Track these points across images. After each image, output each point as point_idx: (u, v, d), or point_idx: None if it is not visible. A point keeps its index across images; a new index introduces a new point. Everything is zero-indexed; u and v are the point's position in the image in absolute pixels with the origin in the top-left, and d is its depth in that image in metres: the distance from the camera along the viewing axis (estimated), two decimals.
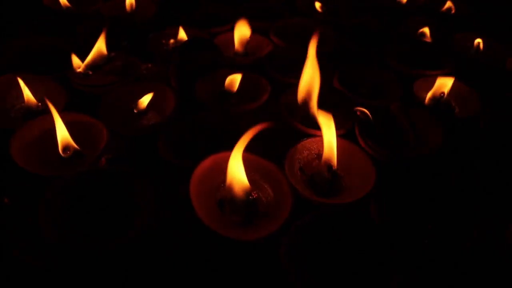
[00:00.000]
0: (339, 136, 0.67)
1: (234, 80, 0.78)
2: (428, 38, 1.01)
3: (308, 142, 0.68)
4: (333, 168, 0.63)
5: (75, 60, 0.78)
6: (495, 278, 0.55)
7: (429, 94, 0.79)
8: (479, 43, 0.96)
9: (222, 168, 0.60)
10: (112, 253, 0.51)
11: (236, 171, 0.57)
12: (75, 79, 0.76)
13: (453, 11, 1.12)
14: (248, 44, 0.91)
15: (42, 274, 0.52)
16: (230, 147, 0.62)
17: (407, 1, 1.16)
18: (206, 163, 0.60)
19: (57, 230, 0.51)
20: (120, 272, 0.53)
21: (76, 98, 0.75)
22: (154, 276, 0.54)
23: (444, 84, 0.79)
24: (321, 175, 0.64)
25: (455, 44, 0.98)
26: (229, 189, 0.58)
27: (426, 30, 1.01)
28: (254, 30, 0.95)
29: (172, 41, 0.92)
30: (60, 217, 0.54)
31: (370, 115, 0.71)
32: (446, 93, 0.78)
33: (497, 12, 1.15)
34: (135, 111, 0.73)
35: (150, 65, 0.89)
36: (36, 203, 0.53)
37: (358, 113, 0.72)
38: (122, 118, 0.73)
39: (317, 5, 1.10)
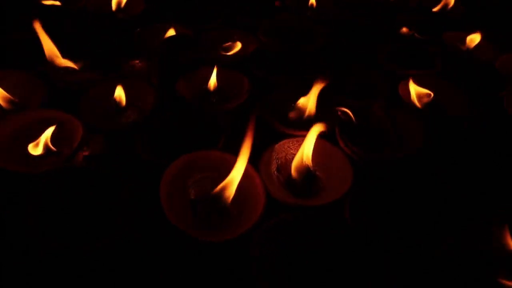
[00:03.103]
0: (318, 136, 0.66)
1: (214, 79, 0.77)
2: (419, 37, 0.99)
3: (286, 143, 0.67)
4: (311, 168, 0.62)
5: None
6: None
7: (413, 95, 0.77)
8: (469, 42, 0.94)
9: (196, 167, 0.60)
10: (86, 253, 0.52)
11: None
12: (55, 75, 0.76)
13: (449, 7, 1.10)
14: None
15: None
16: (209, 146, 0.62)
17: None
18: (180, 162, 0.60)
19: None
20: (95, 271, 0.53)
21: (56, 94, 0.74)
22: (128, 275, 0.54)
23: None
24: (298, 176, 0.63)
25: (445, 43, 0.96)
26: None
27: (416, 29, 1.00)
28: (241, 27, 0.95)
29: (158, 38, 0.91)
30: (35, 217, 0.53)
31: (351, 116, 0.70)
32: (432, 94, 0.77)
33: (488, 12, 1.13)
34: (112, 107, 0.72)
35: (136, 62, 0.88)
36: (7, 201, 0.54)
37: (339, 113, 0.71)
38: (102, 115, 0.72)
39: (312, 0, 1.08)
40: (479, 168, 0.70)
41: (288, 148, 0.67)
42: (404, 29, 0.99)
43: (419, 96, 0.78)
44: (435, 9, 1.10)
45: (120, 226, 0.53)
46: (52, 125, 0.65)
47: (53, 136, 0.64)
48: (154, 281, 0.53)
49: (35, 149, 0.63)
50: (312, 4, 1.07)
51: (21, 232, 0.52)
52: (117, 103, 0.72)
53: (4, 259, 0.53)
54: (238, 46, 0.90)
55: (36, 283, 0.52)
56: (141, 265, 0.54)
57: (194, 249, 0.55)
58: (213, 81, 0.77)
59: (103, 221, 0.55)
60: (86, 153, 0.67)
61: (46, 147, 0.64)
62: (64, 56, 0.79)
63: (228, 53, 0.89)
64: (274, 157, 0.65)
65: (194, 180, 0.61)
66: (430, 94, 0.77)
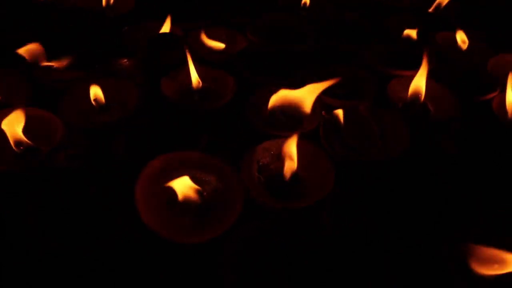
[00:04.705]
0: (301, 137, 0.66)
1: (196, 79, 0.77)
2: (410, 37, 1.00)
3: (269, 144, 0.66)
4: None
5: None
6: None
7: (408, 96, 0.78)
8: (461, 43, 0.95)
9: (174, 168, 0.59)
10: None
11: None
12: (39, 73, 0.75)
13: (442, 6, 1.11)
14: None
15: None
16: (190, 146, 0.62)
17: None
18: (157, 162, 0.59)
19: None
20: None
21: (40, 92, 0.74)
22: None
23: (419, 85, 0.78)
24: (279, 178, 0.62)
25: (436, 44, 0.97)
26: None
27: (408, 29, 1.00)
28: (231, 26, 0.95)
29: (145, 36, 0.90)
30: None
31: (337, 117, 0.70)
32: (423, 95, 0.77)
33: (482, 12, 1.14)
34: (94, 105, 0.71)
35: (124, 60, 0.87)
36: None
37: (323, 113, 0.71)
38: (85, 114, 0.72)
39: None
40: (475, 168, 0.71)
41: (270, 150, 0.66)
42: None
43: (413, 92, 0.78)
44: (429, 10, 1.11)
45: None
46: (33, 123, 0.64)
47: (34, 134, 0.63)
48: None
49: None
50: (305, 3, 1.07)
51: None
52: (97, 102, 0.72)
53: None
54: (223, 44, 0.90)
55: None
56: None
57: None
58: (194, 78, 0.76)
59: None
60: (69, 153, 0.66)
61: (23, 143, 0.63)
62: (50, 53, 0.79)
63: (212, 52, 0.89)
64: (256, 158, 0.64)
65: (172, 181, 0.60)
66: (420, 94, 0.78)
